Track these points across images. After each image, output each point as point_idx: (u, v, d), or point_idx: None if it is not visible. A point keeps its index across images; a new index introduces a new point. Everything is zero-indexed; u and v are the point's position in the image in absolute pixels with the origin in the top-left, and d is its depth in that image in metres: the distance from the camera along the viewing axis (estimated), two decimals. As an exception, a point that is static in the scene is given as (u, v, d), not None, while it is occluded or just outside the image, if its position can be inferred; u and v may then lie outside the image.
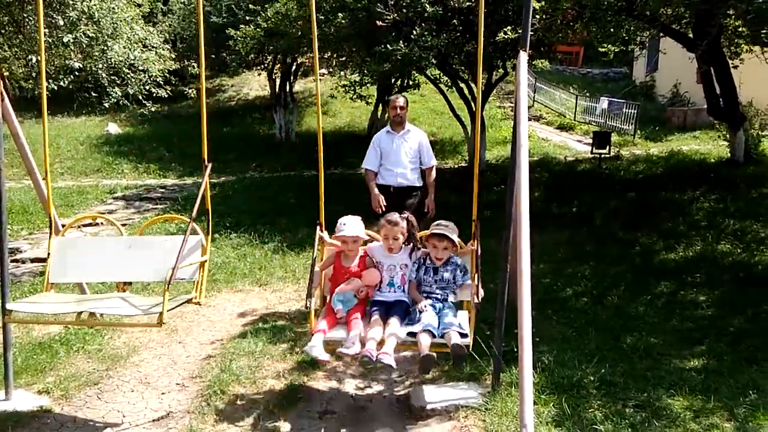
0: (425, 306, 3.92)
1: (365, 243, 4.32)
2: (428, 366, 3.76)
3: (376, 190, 6.14)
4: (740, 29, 10.00)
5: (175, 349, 5.40)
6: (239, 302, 6.55)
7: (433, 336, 3.75)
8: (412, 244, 4.18)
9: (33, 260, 7.97)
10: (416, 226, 4.22)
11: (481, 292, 3.80)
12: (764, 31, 8.69)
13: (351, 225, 4.15)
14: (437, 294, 4.07)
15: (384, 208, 5.92)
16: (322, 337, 3.87)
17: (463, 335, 3.79)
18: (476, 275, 3.93)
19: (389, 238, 4.12)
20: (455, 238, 4.06)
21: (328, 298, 4.21)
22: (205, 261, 4.28)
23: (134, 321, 4.51)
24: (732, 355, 4.87)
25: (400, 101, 6.15)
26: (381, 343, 3.76)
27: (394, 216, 4.15)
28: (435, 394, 4.29)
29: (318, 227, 4.24)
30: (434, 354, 3.70)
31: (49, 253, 4.39)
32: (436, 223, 4.15)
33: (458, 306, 4.16)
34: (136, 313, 3.92)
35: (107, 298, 4.21)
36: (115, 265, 4.39)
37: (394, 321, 3.87)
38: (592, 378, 4.40)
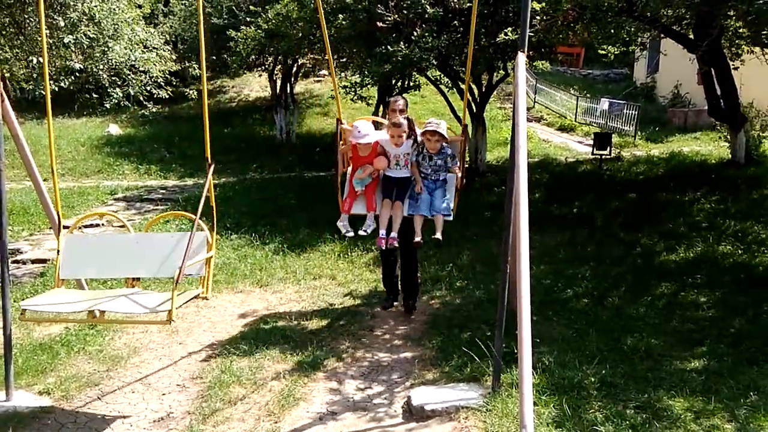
0: (422, 189, 5.09)
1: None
2: (417, 248, 5.20)
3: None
4: (741, 30, 9.99)
5: (176, 350, 5.41)
6: (240, 303, 6.55)
7: (426, 217, 5.06)
8: (413, 138, 5.17)
9: (33, 261, 7.98)
10: (415, 126, 5.23)
11: (461, 174, 5.19)
12: (765, 32, 8.68)
13: (366, 132, 5.07)
14: (431, 175, 5.16)
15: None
16: (347, 216, 5.15)
17: (447, 215, 5.06)
18: (463, 161, 5.28)
19: (395, 136, 5.11)
20: (444, 132, 5.01)
21: (349, 178, 5.27)
22: (211, 257, 4.33)
23: (145, 318, 4.55)
24: (733, 357, 4.86)
25: (400, 103, 6.10)
26: (389, 230, 5.01)
27: (398, 119, 5.12)
28: (435, 395, 4.29)
29: (338, 121, 5.28)
30: (422, 241, 5.01)
31: (58, 250, 4.41)
32: (428, 120, 5.14)
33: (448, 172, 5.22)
34: (145, 311, 3.94)
35: (117, 296, 4.23)
36: (124, 262, 4.44)
37: (398, 204, 5.09)
38: (592, 379, 4.40)
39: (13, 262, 7.80)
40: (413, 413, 4.17)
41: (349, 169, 5.38)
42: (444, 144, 5.12)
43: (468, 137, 5.17)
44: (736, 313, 5.76)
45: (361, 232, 5.10)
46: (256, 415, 4.22)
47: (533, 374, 3.97)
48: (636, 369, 4.67)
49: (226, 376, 4.72)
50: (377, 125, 5.44)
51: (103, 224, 9.44)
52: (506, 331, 4.25)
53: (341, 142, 5.35)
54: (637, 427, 3.81)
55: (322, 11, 4.67)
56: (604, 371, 4.53)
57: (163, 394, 4.59)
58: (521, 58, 3.85)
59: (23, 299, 6.28)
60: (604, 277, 6.88)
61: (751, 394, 4.21)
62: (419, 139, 5.20)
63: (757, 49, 9.98)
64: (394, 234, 5.00)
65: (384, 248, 5.09)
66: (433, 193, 5.14)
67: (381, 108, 16.50)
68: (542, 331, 5.30)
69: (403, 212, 5.11)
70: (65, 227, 4.71)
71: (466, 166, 13.96)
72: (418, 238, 5.00)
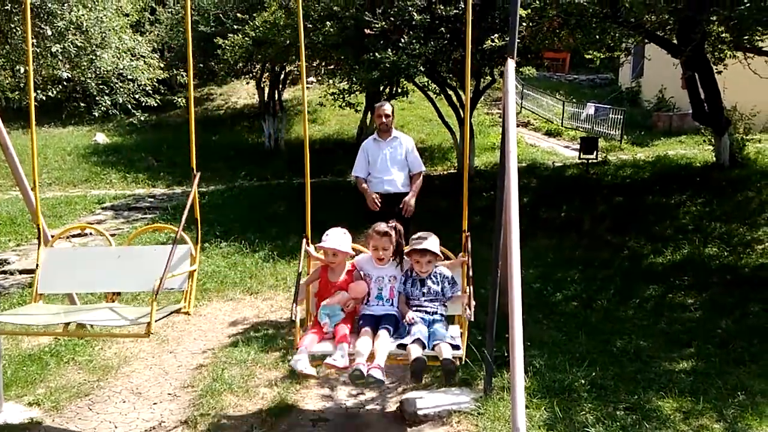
0: (414, 318, 3.80)
1: (352, 257, 4.16)
2: (420, 369, 3.57)
3: (368, 191, 6.10)
4: (723, 35, 10.14)
5: (167, 359, 5.38)
6: (230, 311, 6.54)
7: (424, 347, 3.63)
8: (399, 256, 4.06)
9: (21, 272, 7.90)
10: (404, 237, 4.11)
11: (473, 305, 3.69)
12: (746, 37, 8.83)
13: (333, 236, 4.00)
14: (427, 307, 3.92)
15: (379, 206, 5.91)
16: (307, 353, 3.72)
17: (455, 347, 3.67)
18: (469, 288, 3.81)
19: (378, 248, 4.00)
20: (436, 249, 3.94)
21: (314, 313, 4.05)
22: (194, 270, 4.25)
23: (122, 332, 4.50)
24: (720, 357, 4.92)
25: (387, 109, 6.13)
26: (371, 357, 3.64)
27: (383, 226, 4.00)
28: (428, 400, 4.30)
29: (304, 240, 4.13)
30: (425, 357, 3.57)
31: (37, 264, 4.36)
32: (415, 236, 4.01)
33: (449, 320, 4.02)
34: (124, 324, 3.90)
35: (95, 309, 4.20)
36: (104, 276, 4.37)
37: (383, 333, 3.75)
38: (582, 381, 4.43)
39: (1, 272, 7.74)
40: (406, 418, 4.18)
41: (313, 303, 4.13)
42: (436, 264, 4.03)
43: (469, 245, 3.99)
44: (723, 313, 5.83)
45: (329, 360, 3.64)
46: (248, 423, 4.22)
47: (524, 377, 4.00)
48: (625, 370, 4.71)
49: (217, 384, 4.71)
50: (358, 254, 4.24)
51: (90, 234, 9.38)
52: (497, 335, 4.28)
53: (305, 274, 4.13)
54: (627, 428, 3.85)
55: (302, 20, 4.37)
56: (594, 373, 4.57)
57: (155, 403, 4.57)
58: (510, 64, 3.89)
59: (10, 310, 6.25)
60: (593, 280, 6.94)
61: (739, 393, 4.27)
62: (406, 262, 4.06)
63: (739, 53, 10.13)
64: (380, 362, 3.61)
65: (365, 371, 3.56)
66: (432, 326, 3.80)
67: (369, 114, 16.57)
68: (532, 334, 5.33)
69: (390, 348, 3.70)
70: (52, 236, 4.69)
71: (455, 172, 14.00)
72: (416, 355, 3.56)
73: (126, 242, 5.22)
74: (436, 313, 3.91)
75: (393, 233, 3.99)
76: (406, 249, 4.05)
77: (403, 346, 3.66)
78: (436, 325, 3.80)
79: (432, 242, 3.95)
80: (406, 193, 6.13)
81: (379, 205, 5.95)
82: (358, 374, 3.56)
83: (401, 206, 6.00)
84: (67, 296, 5.35)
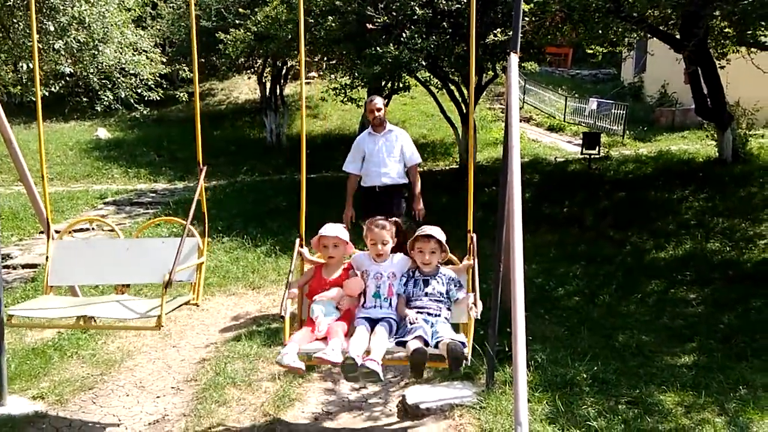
0: (416, 318, 3.49)
1: (350, 256, 3.94)
2: (421, 362, 3.29)
3: (350, 202, 6.04)
4: (726, 30, 10.11)
5: (170, 353, 5.40)
6: (233, 305, 6.55)
7: (427, 345, 3.34)
8: (401, 251, 3.82)
9: (24, 266, 7.94)
10: (404, 231, 3.91)
11: (480, 305, 3.48)
12: (749, 32, 8.81)
13: (332, 227, 3.83)
14: (430, 308, 3.60)
15: (351, 224, 5.83)
16: (297, 348, 3.45)
17: (461, 344, 3.34)
18: (475, 289, 3.60)
19: (377, 242, 3.74)
20: (441, 237, 3.69)
21: (306, 312, 3.83)
22: (202, 263, 4.30)
23: (134, 324, 4.53)
24: (722, 352, 4.93)
25: (377, 102, 6.06)
26: (367, 354, 3.35)
27: (380, 219, 3.81)
28: (430, 394, 4.32)
29: (297, 241, 3.94)
30: (425, 348, 3.30)
31: (47, 257, 4.38)
32: (419, 230, 3.78)
33: (455, 328, 3.70)
34: (135, 317, 3.93)
35: (106, 302, 4.21)
36: (114, 268, 4.41)
37: (380, 329, 3.48)
38: (584, 375, 4.44)
39: (4, 267, 7.75)
40: (408, 412, 4.20)
41: (305, 303, 3.92)
42: (440, 262, 3.79)
43: (475, 247, 3.78)
44: (725, 309, 5.84)
45: (320, 354, 3.34)
46: (251, 417, 4.23)
47: (526, 371, 4.01)
48: (627, 365, 4.72)
49: (220, 378, 4.72)
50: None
51: (93, 228, 9.41)
52: (499, 329, 4.29)
53: (297, 275, 3.97)
54: (629, 421, 3.86)
55: (303, 15, 4.36)
56: (596, 368, 4.57)
57: (158, 397, 4.59)
58: (514, 59, 3.88)
59: (14, 304, 6.27)
60: (595, 276, 6.94)
61: (741, 388, 4.28)
62: (407, 260, 3.81)
63: (742, 48, 10.11)
64: (376, 357, 3.32)
65: (360, 362, 3.27)
66: (434, 326, 3.50)
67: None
68: (535, 329, 5.34)
69: (389, 342, 3.45)
70: (56, 231, 4.70)
71: (457, 167, 13.98)
72: (416, 346, 3.31)
73: (134, 235, 5.25)
74: (439, 315, 3.58)
75: (392, 227, 3.80)
76: (410, 240, 3.79)
77: (402, 344, 3.38)
78: (439, 326, 3.49)
79: (437, 230, 3.74)
80: (403, 185, 6.08)
81: (351, 222, 5.88)
82: (350, 364, 3.24)
83: (414, 214, 5.98)
84: (70, 289, 5.37)
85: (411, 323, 3.46)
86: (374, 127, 6.10)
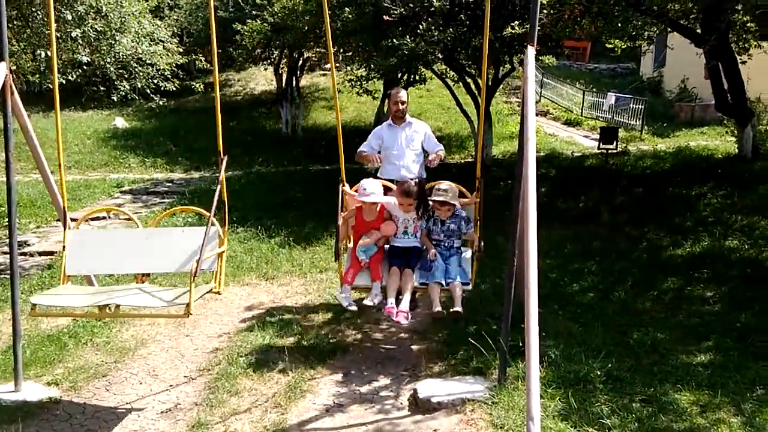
0: (435, 255, 4.64)
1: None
2: (439, 319, 4.84)
3: (372, 156, 5.78)
4: (748, 24, 9.94)
5: (183, 342, 5.44)
6: (246, 296, 6.58)
7: (441, 286, 4.55)
8: (423, 205, 4.79)
9: (41, 253, 8.03)
10: (426, 191, 4.82)
11: (481, 243, 4.56)
12: (773, 26, 8.65)
13: (371, 189, 4.73)
14: (444, 241, 4.77)
15: (379, 162, 5.73)
16: (350, 288, 4.70)
17: (465, 284, 4.58)
18: (479, 224, 4.68)
19: (404, 204, 4.74)
20: (455, 201, 4.69)
21: (352, 246, 4.87)
22: (223, 252, 4.32)
23: (161, 312, 4.55)
24: (739, 351, 4.86)
25: (402, 95, 5.97)
26: (399, 293, 4.55)
27: (407, 186, 4.71)
28: (442, 388, 4.30)
29: (341, 184, 4.82)
30: (444, 312, 4.48)
31: (63, 246, 4.41)
32: (436, 188, 4.75)
33: (464, 244, 4.89)
34: (163, 305, 3.95)
35: (129, 290, 4.22)
36: (134, 257, 4.42)
37: (408, 272, 4.62)
38: (598, 372, 4.40)
39: (21, 254, 7.84)
40: (420, 405, 4.19)
41: (350, 241, 4.99)
42: (457, 206, 4.79)
43: (482, 195, 4.77)
44: (742, 307, 5.75)
45: (366, 302, 4.60)
46: (263, 407, 4.25)
47: (539, 367, 3.97)
48: (642, 363, 4.67)
49: (233, 368, 4.75)
50: (386, 190, 5.01)
51: (109, 218, 9.48)
52: (512, 324, 4.25)
53: (342, 210, 4.87)
54: (643, 420, 3.81)
55: (326, 5, 4.46)
56: (609, 365, 4.53)
57: (171, 386, 4.62)
58: (530, 51, 3.84)
59: (31, 291, 6.35)
60: (610, 272, 6.87)
61: (757, 388, 4.22)
62: (429, 204, 4.84)
63: (764, 43, 9.94)
64: (404, 307, 4.51)
65: (395, 318, 4.49)
66: (448, 260, 4.72)
67: (386, 102, 16.52)
68: (548, 324, 5.30)
69: (414, 282, 4.67)
70: (73, 220, 4.73)
71: (472, 161, 13.92)
72: (437, 308, 4.51)
73: (154, 223, 5.26)
74: (452, 247, 4.77)
75: (415, 189, 4.71)
76: (430, 199, 4.77)
77: (425, 285, 4.62)
78: (451, 259, 4.70)
79: (451, 193, 4.70)
80: (420, 179, 5.96)
81: (379, 161, 5.71)
82: (387, 315, 4.53)
83: (429, 159, 5.70)
84: (85, 278, 5.41)
85: (431, 260, 4.63)
86: (395, 119, 6.00)
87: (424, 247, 4.77)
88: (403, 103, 5.92)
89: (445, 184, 4.76)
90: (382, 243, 4.86)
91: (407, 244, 4.82)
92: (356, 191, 4.87)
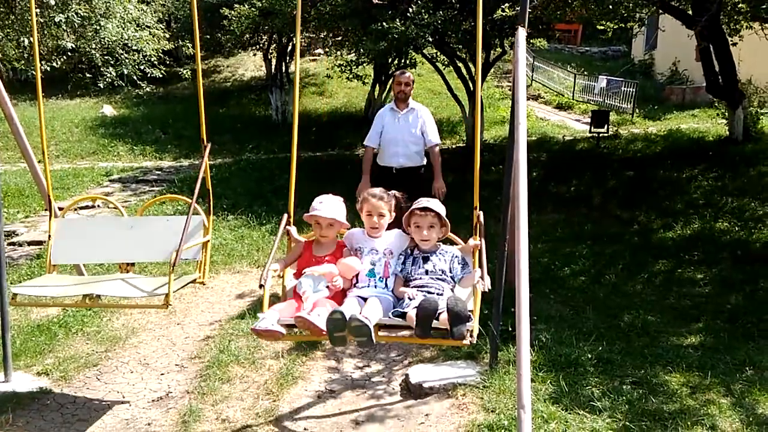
0: (416, 294, 3.08)
1: (345, 232, 3.52)
2: (429, 314, 2.84)
3: (368, 177, 5.84)
4: (740, 6, 9.90)
5: (174, 330, 5.41)
6: (237, 283, 6.55)
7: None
8: (399, 228, 3.39)
9: (30, 243, 7.95)
10: (405, 207, 3.40)
11: (488, 280, 3.07)
12: (764, 7, 8.62)
13: (328, 205, 3.40)
14: (431, 287, 3.14)
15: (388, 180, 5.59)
16: (277, 316, 3.01)
17: (466, 317, 2.89)
18: (483, 266, 3.13)
19: (373, 214, 3.31)
20: (441, 211, 3.27)
21: (291, 288, 3.40)
22: (208, 241, 4.27)
23: (141, 302, 4.51)
24: (729, 332, 4.89)
25: (407, 77, 5.92)
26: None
27: (378, 190, 3.42)
28: (433, 373, 4.31)
29: (285, 217, 3.60)
30: (436, 299, 2.95)
31: (49, 235, 4.36)
32: (416, 202, 3.33)
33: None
34: (141, 295, 3.91)
35: (112, 280, 4.18)
36: (118, 246, 4.36)
37: (373, 300, 3.03)
38: (589, 355, 4.41)
39: (9, 244, 7.77)
40: (411, 391, 4.19)
41: (290, 274, 3.54)
42: (440, 239, 3.34)
43: (482, 225, 3.31)
44: (732, 289, 5.79)
45: (303, 314, 2.93)
46: (254, 394, 4.24)
47: (530, 351, 3.98)
48: (632, 345, 4.69)
49: (224, 356, 4.73)
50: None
51: (98, 206, 9.40)
52: (503, 309, 4.25)
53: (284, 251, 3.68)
54: (634, 402, 3.83)
55: None
56: (600, 348, 4.55)
57: (162, 374, 4.60)
58: (521, 33, 3.79)
59: (20, 281, 6.29)
60: (601, 255, 6.89)
61: (747, 369, 4.25)
62: (405, 237, 3.36)
63: (755, 24, 9.91)
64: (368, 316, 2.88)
65: (347, 316, 2.83)
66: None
67: (377, 87, 16.41)
68: (539, 308, 5.31)
69: (382, 312, 3.00)
70: (60, 209, 4.67)
71: (463, 146, 13.86)
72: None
73: (138, 213, 5.21)
74: (442, 294, 3.11)
75: (390, 199, 3.37)
76: (405, 215, 3.34)
77: (402, 315, 2.97)
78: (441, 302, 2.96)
79: (434, 202, 3.31)
80: (420, 167, 5.99)
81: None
82: (338, 318, 2.80)
83: (432, 194, 5.71)
84: (75, 267, 5.36)
85: (410, 298, 3.06)
86: (397, 102, 5.93)
87: (401, 292, 3.18)
88: (407, 84, 5.86)
89: (425, 200, 3.35)
90: (338, 287, 3.20)
91: (372, 295, 3.11)
92: (310, 221, 3.50)
